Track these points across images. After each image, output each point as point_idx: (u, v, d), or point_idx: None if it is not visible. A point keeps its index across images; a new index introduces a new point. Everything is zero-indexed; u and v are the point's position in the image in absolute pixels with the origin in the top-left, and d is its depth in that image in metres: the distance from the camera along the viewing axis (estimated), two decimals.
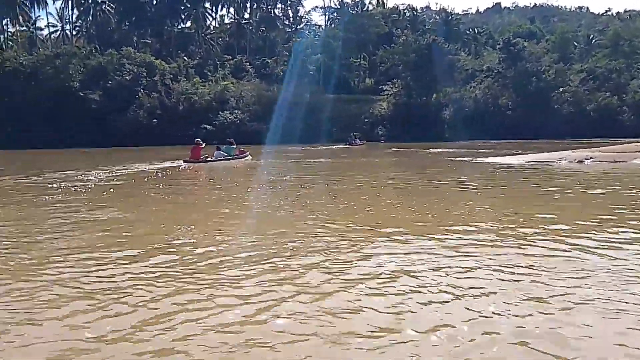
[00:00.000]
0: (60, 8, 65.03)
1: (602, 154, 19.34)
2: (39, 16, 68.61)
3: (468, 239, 6.31)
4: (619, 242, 6.02)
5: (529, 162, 19.37)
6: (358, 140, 41.02)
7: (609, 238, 6.24)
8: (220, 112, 48.68)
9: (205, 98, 50.03)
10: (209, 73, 55.50)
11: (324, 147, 36.84)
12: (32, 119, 42.14)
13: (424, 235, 6.62)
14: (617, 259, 5.27)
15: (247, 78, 56.59)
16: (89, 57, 49.60)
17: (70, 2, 62.67)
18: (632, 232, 6.57)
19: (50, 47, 56.74)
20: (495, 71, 56.08)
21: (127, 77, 47.20)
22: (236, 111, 49.44)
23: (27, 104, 43.10)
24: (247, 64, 60.23)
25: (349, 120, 51.31)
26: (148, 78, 48.25)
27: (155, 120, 46.14)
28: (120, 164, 21.33)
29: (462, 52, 65.50)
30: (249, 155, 23.52)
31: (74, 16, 65.82)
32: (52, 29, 67.69)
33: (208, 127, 46.72)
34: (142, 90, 46.95)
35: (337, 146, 37.84)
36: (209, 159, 20.99)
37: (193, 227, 7.41)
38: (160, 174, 16.86)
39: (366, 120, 52.66)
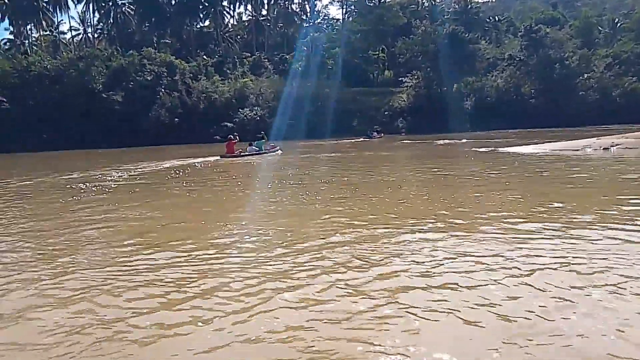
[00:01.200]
0: (82, 12, 66.37)
1: (628, 141, 18.84)
2: (62, 20, 70.29)
3: (494, 232, 6.28)
4: None
5: (553, 150, 19.03)
6: (375, 133, 41.11)
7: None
8: (240, 109, 49.06)
9: (225, 96, 50.46)
10: (228, 71, 55.88)
11: (345, 141, 36.83)
12: (59, 122, 43.07)
13: (453, 227, 6.62)
14: None
15: (266, 74, 56.83)
16: (111, 59, 50.41)
17: (91, 5, 63.86)
18: None
19: (74, 51, 57.89)
20: (517, 59, 55.04)
21: (148, 78, 47.85)
22: (256, 108, 49.74)
23: (53, 107, 44.09)
24: (266, 60, 60.46)
25: (370, 113, 51.17)
26: (169, 78, 48.85)
27: (177, 119, 46.76)
28: (157, 160, 22.06)
29: (483, 40, 64.26)
30: (280, 150, 24.55)
31: (96, 19, 67.15)
32: (74, 33, 69.23)
33: (228, 124, 47.14)
34: (163, 90, 47.58)
35: (356, 140, 37.84)
36: (243, 153, 22.25)
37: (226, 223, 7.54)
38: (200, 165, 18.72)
39: (386, 113, 52.35)
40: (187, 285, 4.70)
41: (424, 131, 42.78)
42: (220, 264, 5.37)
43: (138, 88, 47.02)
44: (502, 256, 5.12)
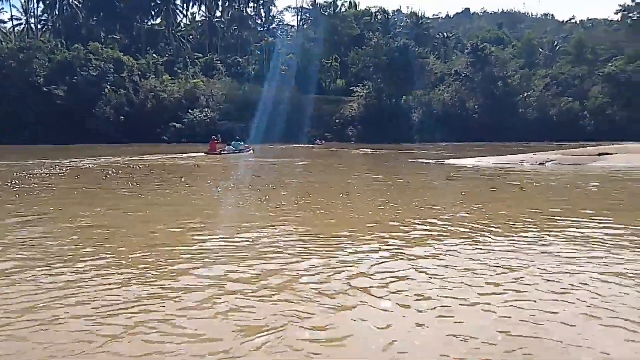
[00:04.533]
0: (24, 1, 63.12)
1: (562, 157, 20.06)
2: (2, 8, 66.37)
3: (428, 235, 6.55)
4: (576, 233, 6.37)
5: (493, 163, 19.95)
6: (318, 140, 44.20)
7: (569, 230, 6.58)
8: (189, 110, 48.20)
9: (175, 95, 49.47)
10: (179, 70, 54.85)
11: (294, 146, 37.21)
12: None
13: (387, 232, 6.83)
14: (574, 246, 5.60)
15: (218, 76, 56.20)
16: (54, 52, 48.33)
17: None
18: (590, 222, 6.94)
19: (14, 41, 54.94)
20: (463, 75, 57.24)
21: (93, 73, 46.20)
22: (206, 109, 49.04)
23: None
24: (219, 62, 59.78)
25: (322, 120, 51.70)
26: (115, 74, 47.36)
27: (122, 117, 45.34)
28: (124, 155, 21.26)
29: (432, 55, 66.53)
30: (252, 150, 28.92)
31: (39, 10, 64.06)
32: (15, 22, 65.64)
33: (177, 124, 46.28)
34: (109, 87, 46.05)
35: (303, 145, 38.76)
36: (223, 152, 26.43)
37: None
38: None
39: (337, 120, 53.03)
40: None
41: (373, 140, 43.74)
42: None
43: (83, 83, 45.30)
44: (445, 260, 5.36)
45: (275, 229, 7.15)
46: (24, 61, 45.24)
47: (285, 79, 58.79)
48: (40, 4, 62.91)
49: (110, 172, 16.89)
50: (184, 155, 25.67)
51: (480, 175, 16.25)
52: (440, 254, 5.66)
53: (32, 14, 63.85)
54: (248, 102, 49.42)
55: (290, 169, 19.45)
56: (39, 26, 65.16)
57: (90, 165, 19.48)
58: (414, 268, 5.09)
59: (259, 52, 63.01)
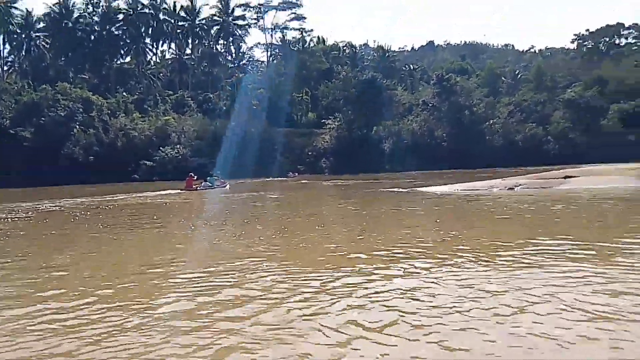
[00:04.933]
0: None
1: (530, 181, 20.67)
2: None
3: (408, 262, 6.65)
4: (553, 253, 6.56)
5: (463, 190, 20.36)
6: (291, 173, 44.93)
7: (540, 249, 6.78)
8: (161, 148, 47.86)
9: (146, 133, 49.15)
10: (149, 108, 54.68)
11: (267, 180, 37.31)
12: None
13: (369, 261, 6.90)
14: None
15: (189, 113, 56.23)
16: (21, 93, 47.70)
17: (1, 37, 60.40)
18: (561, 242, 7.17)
19: None
20: (431, 105, 58.71)
21: (61, 113, 45.67)
22: (178, 146, 48.78)
23: None
24: (189, 99, 59.92)
25: (294, 153, 52.03)
26: (84, 114, 46.90)
27: (91, 157, 44.67)
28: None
29: (399, 87, 68.29)
30: (228, 186, 29.37)
31: (6, 51, 63.40)
32: None
33: (147, 162, 45.84)
34: (77, 127, 45.48)
35: (277, 179, 38.87)
36: (199, 188, 26.96)
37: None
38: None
39: (310, 153, 53.44)
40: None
41: (346, 171, 44.18)
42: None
43: (50, 124, 44.67)
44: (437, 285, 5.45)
45: (254, 263, 7.14)
46: None
47: (256, 114, 59.12)
48: (7, 45, 62.36)
49: (79, 213, 16.57)
50: (159, 193, 25.51)
51: (452, 202, 16.59)
52: (424, 281, 5.76)
53: None
54: (219, 137, 49.44)
55: (264, 203, 19.47)
56: (5, 67, 64.36)
57: (58, 208, 19.07)
58: (401, 297, 5.18)
59: (229, 88, 63.46)
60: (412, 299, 5.13)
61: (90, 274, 6.89)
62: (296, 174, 45.24)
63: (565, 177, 20.40)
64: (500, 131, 57.22)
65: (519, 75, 79.20)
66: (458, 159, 48.64)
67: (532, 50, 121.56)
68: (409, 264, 6.69)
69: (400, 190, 22.46)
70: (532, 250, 7.29)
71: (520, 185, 19.99)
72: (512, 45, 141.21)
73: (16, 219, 15.48)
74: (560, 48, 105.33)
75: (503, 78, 78.91)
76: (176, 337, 4.26)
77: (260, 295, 5.41)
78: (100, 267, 7.46)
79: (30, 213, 17.19)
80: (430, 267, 6.46)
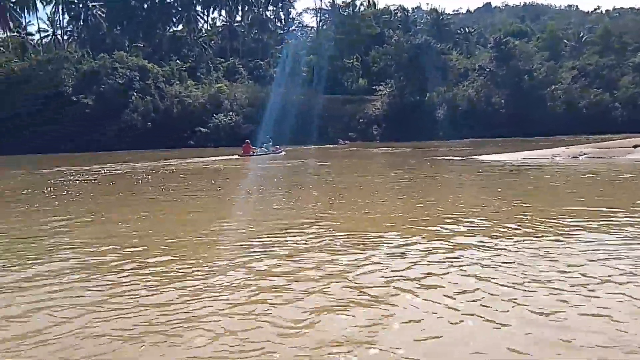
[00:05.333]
0: (51, 13, 64.59)
1: (596, 150, 19.54)
2: (30, 22, 67.72)
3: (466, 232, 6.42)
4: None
5: (524, 158, 19.55)
6: (341, 140, 44.36)
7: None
8: (214, 115, 48.60)
9: (199, 101, 49.92)
10: (202, 76, 55.34)
11: (317, 147, 37.50)
12: (27, 125, 41.89)
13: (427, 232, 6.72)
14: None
15: (241, 80, 56.54)
16: (81, 62, 49.36)
17: (60, 7, 62.31)
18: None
19: (42, 53, 56.29)
20: (487, 70, 56.32)
21: (120, 81, 47.00)
22: (230, 113, 49.36)
23: (21, 109, 42.85)
24: (240, 66, 60.13)
25: (344, 121, 51.51)
26: (141, 82, 48.08)
27: (149, 123, 46.02)
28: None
29: (454, 51, 65.70)
30: (283, 152, 30.21)
31: (65, 21, 65.48)
32: (43, 34, 67.26)
33: (202, 129, 46.73)
34: (135, 94, 46.81)
35: (327, 146, 38.96)
36: (256, 153, 27.80)
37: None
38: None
39: (361, 120, 52.75)
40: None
41: (397, 139, 43.46)
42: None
43: (110, 91, 46.15)
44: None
45: (317, 227, 7.11)
46: (53, 72, 46.35)
47: (306, 80, 58.84)
48: (66, 16, 64.32)
49: (140, 177, 17.14)
50: (216, 158, 26.18)
51: (513, 170, 15.95)
52: (485, 251, 5.53)
53: (58, 25, 65.37)
54: (270, 104, 49.57)
55: (316, 170, 19.43)
56: (65, 37, 66.67)
57: (120, 172, 19.79)
58: (477, 264, 5.00)
59: (279, 55, 63.14)
60: (487, 266, 4.93)
61: (161, 235, 7.08)
62: (347, 141, 44.82)
63: (635, 146, 19.13)
64: (563, 97, 54.29)
65: (584, 38, 74.24)
66: (516, 126, 46.70)
67: (598, 10, 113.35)
68: (475, 232, 6.45)
69: (456, 158, 21.82)
70: (606, 222, 6.86)
71: (584, 154, 18.96)
72: (576, 6, 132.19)
73: (84, 181, 16.21)
74: (629, 8, 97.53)
75: (566, 41, 74.25)
76: (265, 295, 4.31)
77: (333, 260, 5.35)
78: (169, 229, 7.66)
79: (96, 176, 17.94)
80: (500, 236, 6.20)
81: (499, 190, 11.14)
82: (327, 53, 60.04)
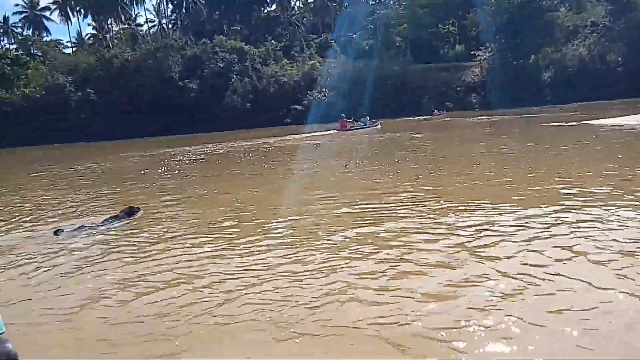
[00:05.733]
0: (156, 3, 69.15)
1: None
2: (139, 13, 73.23)
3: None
4: None
5: None
6: (435, 111, 42.25)
7: None
8: (308, 92, 49.35)
9: (294, 79, 50.92)
10: (295, 54, 56.22)
11: (412, 119, 36.74)
12: (141, 111, 45.55)
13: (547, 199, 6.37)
14: None
15: (333, 55, 56.56)
16: (185, 48, 52.34)
17: None
18: None
19: (150, 42, 60.51)
20: (601, 25, 50.94)
21: (220, 65, 49.28)
22: (324, 89, 49.80)
23: (134, 96, 46.66)
24: (332, 41, 60.12)
25: (440, 90, 49.71)
26: (239, 64, 50.03)
27: (248, 104, 47.92)
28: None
29: (562, 7, 60.07)
30: (379, 125, 29.77)
31: (169, 10, 69.67)
32: (150, 24, 72.30)
33: (298, 107, 47.69)
34: (235, 76, 48.86)
35: (421, 117, 38.04)
36: (353, 127, 28.11)
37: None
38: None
39: (458, 88, 50.52)
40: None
41: (499, 106, 41.08)
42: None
43: (211, 75, 48.58)
44: None
45: (421, 199, 7.03)
46: (161, 59, 49.70)
47: (400, 51, 57.36)
48: (170, 5, 68.37)
49: (242, 156, 17.95)
50: (313, 134, 26.89)
51: (635, 135, 14.45)
52: (612, 222, 5.12)
53: (163, 14, 69.78)
54: (363, 78, 49.21)
55: (411, 142, 19.00)
56: (170, 25, 71.03)
57: (223, 151, 20.87)
58: (589, 236, 4.69)
59: (371, 27, 62.04)
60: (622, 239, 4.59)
61: (271, 205, 7.45)
62: (442, 111, 43.10)
63: None
64: None
65: None
66: (637, 86, 42.03)
67: None
68: (601, 202, 5.97)
69: (567, 124, 20.20)
70: None
71: None
72: None
73: (193, 160, 17.39)
74: None
75: None
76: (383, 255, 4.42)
77: (449, 232, 5.28)
78: (276, 199, 8.03)
79: (202, 155, 19.15)
80: (629, 207, 5.69)
81: (620, 157, 10.18)
82: (421, 21, 57.96)
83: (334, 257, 4.74)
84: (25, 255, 5.97)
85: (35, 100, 46.92)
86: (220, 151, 21.00)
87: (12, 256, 5.98)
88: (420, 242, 4.99)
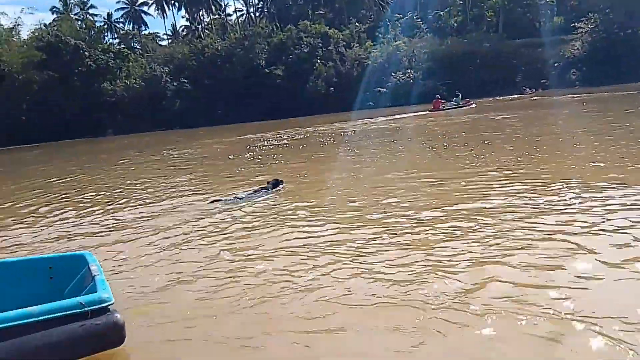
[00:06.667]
0: None
1: None
2: (228, 3, 75.89)
3: None
4: None
5: None
6: (528, 89, 40.56)
7: None
8: (392, 73, 48.40)
9: (378, 61, 50.20)
10: (380, 35, 55.33)
11: (503, 98, 34.87)
12: (230, 98, 47.50)
13: None
14: None
15: (420, 35, 54.91)
16: (271, 35, 53.50)
17: None
18: None
19: (239, 31, 62.54)
20: None
21: (305, 50, 49.83)
22: (409, 70, 48.61)
23: (225, 85, 48.69)
24: (419, 20, 58.31)
25: (536, 66, 46.58)
26: (323, 48, 50.26)
27: (332, 88, 48.07)
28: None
29: None
30: (474, 104, 29.22)
31: None
32: (239, 14, 74.69)
33: (381, 89, 47.02)
34: (319, 61, 49.17)
35: (514, 96, 36.00)
36: (446, 107, 28.20)
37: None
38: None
39: (556, 64, 46.95)
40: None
41: (602, 82, 37.58)
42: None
43: (296, 61, 49.32)
44: None
45: (519, 184, 6.68)
46: (248, 47, 51.25)
47: (491, 26, 54.39)
48: None
49: (324, 140, 18.04)
50: (405, 115, 26.79)
51: None
52: None
53: (251, 4, 71.71)
54: (452, 57, 47.39)
55: (500, 124, 17.96)
56: (257, 14, 72.86)
57: (304, 135, 21.09)
58: None
59: (460, 2, 59.35)
60: None
61: (357, 186, 7.44)
62: (533, 90, 40.53)
63: None
64: None
65: None
66: None
67: None
68: None
69: None
70: None
71: None
72: None
73: (278, 145, 17.80)
74: None
75: None
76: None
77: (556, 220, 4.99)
78: (357, 183, 8.00)
79: (286, 140, 19.52)
80: None
81: None
82: None
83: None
84: (181, 222, 6.59)
85: (135, 91, 50.54)
86: (301, 136, 21.21)
87: (168, 222, 6.66)
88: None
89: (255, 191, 7.92)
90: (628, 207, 5.12)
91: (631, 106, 18.50)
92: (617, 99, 23.77)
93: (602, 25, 45.85)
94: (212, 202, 7.64)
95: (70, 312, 2.82)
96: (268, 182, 8.20)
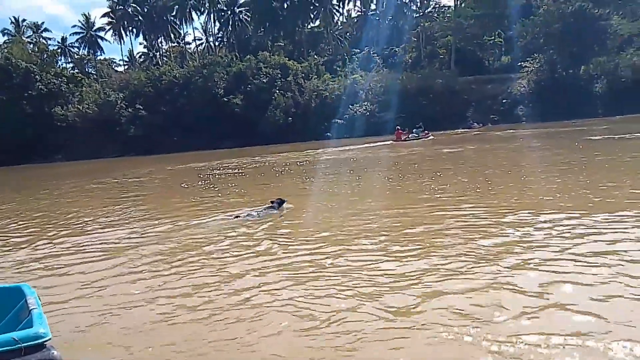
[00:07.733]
0: (204, 22, 71.38)
1: None
2: (187, 32, 75.96)
3: None
4: None
5: None
6: (475, 124, 42.76)
7: None
8: (350, 106, 49.38)
9: (336, 93, 51.17)
10: (338, 68, 56.58)
11: (454, 131, 36.17)
12: (187, 126, 46.96)
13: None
14: None
15: (376, 69, 56.49)
16: (230, 65, 53.67)
17: (212, 15, 68.37)
18: None
19: (198, 59, 62.50)
20: None
21: (264, 80, 50.19)
22: (365, 103, 49.79)
23: (182, 112, 48.20)
24: (375, 55, 60.13)
25: (486, 103, 48.73)
26: (282, 79, 50.80)
27: (290, 118, 48.45)
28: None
29: (616, 15, 57.86)
30: (431, 136, 31.19)
31: (216, 28, 71.79)
32: (198, 42, 74.73)
33: (339, 121, 47.77)
34: (277, 91, 49.59)
35: (462, 131, 37.91)
36: (407, 139, 29.27)
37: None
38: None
39: (504, 100, 49.33)
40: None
41: (548, 119, 39.77)
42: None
43: (255, 91, 49.53)
44: None
45: (474, 208, 6.84)
46: (207, 76, 51.16)
47: (443, 63, 56.64)
48: (217, 23, 70.43)
49: (283, 168, 18.07)
50: (365, 146, 28.02)
51: None
52: None
53: (210, 33, 71.97)
54: (407, 91, 48.91)
55: (452, 157, 18.57)
56: (216, 43, 73.13)
57: (262, 165, 21.08)
58: None
59: (415, 39, 61.77)
60: None
61: (330, 212, 7.42)
62: (481, 124, 42.61)
63: None
64: None
65: None
66: None
67: None
68: None
69: (622, 136, 19.26)
70: None
71: None
72: None
73: (235, 173, 17.64)
74: None
75: None
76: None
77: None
78: (334, 208, 8.02)
79: (243, 168, 19.41)
80: None
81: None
82: (466, 32, 57.25)
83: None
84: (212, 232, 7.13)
85: (88, 116, 49.23)
86: (262, 164, 21.21)
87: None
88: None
89: (265, 208, 8.62)
90: (567, 230, 5.36)
91: (572, 141, 19.55)
92: (560, 134, 25.05)
93: (546, 65, 48.68)
94: (236, 217, 8.36)
95: (2, 349, 2.65)
96: (273, 202, 8.80)
